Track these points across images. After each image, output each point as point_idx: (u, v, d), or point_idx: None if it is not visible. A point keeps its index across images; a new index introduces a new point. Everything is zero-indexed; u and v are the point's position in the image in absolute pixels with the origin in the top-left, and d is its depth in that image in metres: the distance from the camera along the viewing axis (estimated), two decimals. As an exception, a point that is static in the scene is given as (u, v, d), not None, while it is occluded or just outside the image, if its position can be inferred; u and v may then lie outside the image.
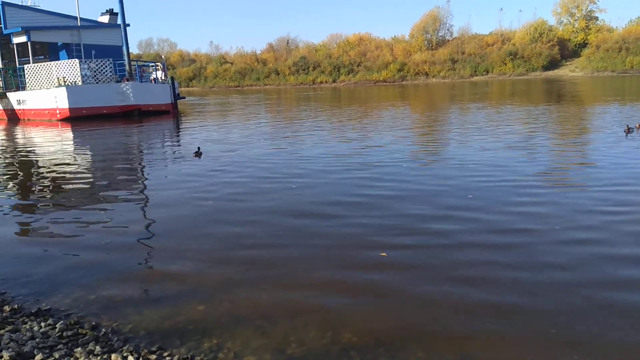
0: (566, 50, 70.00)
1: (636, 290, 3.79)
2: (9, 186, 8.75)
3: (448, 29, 78.60)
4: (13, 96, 25.92)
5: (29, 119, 24.87)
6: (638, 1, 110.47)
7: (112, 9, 32.21)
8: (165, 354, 3.12)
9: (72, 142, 15.53)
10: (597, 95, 28.52)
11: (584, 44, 70.13)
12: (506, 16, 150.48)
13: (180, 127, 18.98)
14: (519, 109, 20.33)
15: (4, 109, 26.59)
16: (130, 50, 26.40)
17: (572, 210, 5.77)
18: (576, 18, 72.80)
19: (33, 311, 3.73)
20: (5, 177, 9.74)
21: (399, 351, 3.08)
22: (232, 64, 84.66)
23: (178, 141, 14.53)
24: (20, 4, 30.26)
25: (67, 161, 11.39)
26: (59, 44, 28.81)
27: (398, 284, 4.03)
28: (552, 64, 68.22)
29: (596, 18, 72.85)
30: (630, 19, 73.79)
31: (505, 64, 68.05)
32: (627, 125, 12.23)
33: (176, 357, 3.06)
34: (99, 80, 24.17)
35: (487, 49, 71.30)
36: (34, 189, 8.56)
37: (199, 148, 10.96)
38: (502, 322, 3.40)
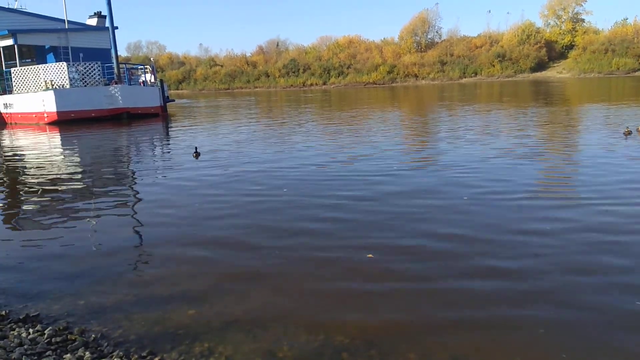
0: (553, 52, 70.78)
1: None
2: (-4, 191, 8.64)
3: (437, 31, 79.18)
4: (0, 100, 25.64)
5: (16, 123, 24.60)
6: (623, 3, 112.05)
7: (100, 12, 32.03)
8: (156, 358, 3.10)
9: (60, 147, 15.38)
10: (587, 96, 28.85)
11: (570, 46, 70.96)
12: (494, 18, 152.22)
13: (170, 130, 18.88)
14: (511, 112, 20.48)
15: (-9, 113, 26.33)
16: (118, 53, 26.24)
17: (580, 229, 5.10)
18: (563, 20, 73.66)
19: (21, 317, 3.69)
20: (-9, 181, 9.62)
21: (391, 353, 3.08)
22: (221, 66, 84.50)
23: (168, 145, 14.45)
24: (6, 6, 30.01)
25: (55, 166, 11.28)
26: (46, 47, 28.56)
27: (388, 286, 4.04)
28: (540, 66, 68.93)
29: (582, 20, 73.78)
30: (615, 21, 74.93)
31: (494, 66, 68.63)
32: (627, 127, 11.52)
33: (167, 362, 3.04)
34: (87, 84, 23.98)
35: (475, 51, 71.88)
36: (20, 194, 8.46)
37: (196, 148, 11.16)
38: (494, 324, 3.42)
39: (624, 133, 11.37)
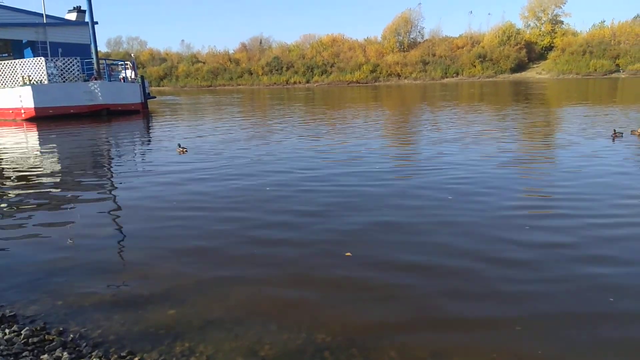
0: (533, 53, 71.98)
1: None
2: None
3: (419, 31, 79.94)
4: (-25, 95, 25.03)
5: (-9, 119, 24.06)
6: (601, 6, 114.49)
7: (80, 6, 31.54)
8: (136, 358, 3.07)
9: (37, 144, 15.08)
10: (567, 98, 29.33)
11: (550, 47, 72.23)
12: (475, 19, 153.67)
13: (151, 128, 18.66)
14: (494, 114, 20.70)
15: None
16: (98, 49, 25.85)
17: (566, 242, 4.80)
18: (543, 22, 74.94)
19: (-3, 318, 3.62)
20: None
21: (372, 351, 3.11)
22: (204, 63, 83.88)
23: (149, 143, 14.28)
24: (-19, 0, 29.32)
25: (32, 164, 11.06)
26: (23, 41, 27.98)
27: (369, 285, 4.06)
28: (520, 67, 70.02)
29: (561, 22, 75.23)
30: (593, 23, 76.63)
31: (475, 66, 69.47)
32: (615, 130, 11.12)
33: (147, 362, 3.02)
34: (66, 79, 23.55)
35: (457, 51, 72.69)
36: (-3, 191, 8.27)
37: (179, 145, 11.38)
38: (473, 324, 3.46)
39: (611, 135, 11.08)
